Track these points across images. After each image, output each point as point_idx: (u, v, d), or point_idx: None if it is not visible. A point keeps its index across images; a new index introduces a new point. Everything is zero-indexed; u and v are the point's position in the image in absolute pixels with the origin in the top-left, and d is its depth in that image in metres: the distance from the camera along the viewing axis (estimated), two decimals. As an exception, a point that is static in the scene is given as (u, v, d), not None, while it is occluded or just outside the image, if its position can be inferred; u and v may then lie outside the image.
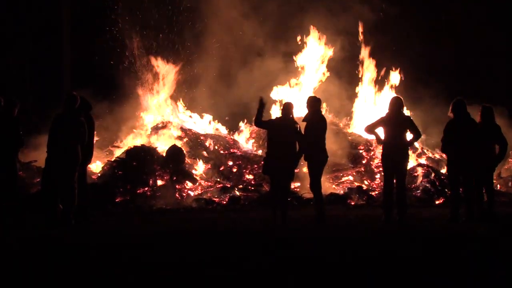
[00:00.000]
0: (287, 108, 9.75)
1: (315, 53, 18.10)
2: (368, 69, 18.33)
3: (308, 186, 9.92)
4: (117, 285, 4.87)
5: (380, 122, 9.86)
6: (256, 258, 6.14)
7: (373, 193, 14.16)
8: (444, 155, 11.58)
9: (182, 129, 16.76)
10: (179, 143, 15.64)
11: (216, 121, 18.20)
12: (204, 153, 15.92)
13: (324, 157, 9.71)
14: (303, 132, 9.72)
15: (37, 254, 6.46)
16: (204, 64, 18.53)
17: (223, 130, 18.09)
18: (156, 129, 16.83)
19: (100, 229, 9.12)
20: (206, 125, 18.05)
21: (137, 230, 8.80)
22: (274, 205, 9.56)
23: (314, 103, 9.88)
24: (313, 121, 9.68)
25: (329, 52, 17.97)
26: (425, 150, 16.77)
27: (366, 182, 14.94)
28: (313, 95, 11.11)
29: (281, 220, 9.41)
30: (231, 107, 18.14)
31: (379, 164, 13.55)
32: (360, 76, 18.34)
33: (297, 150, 9.61)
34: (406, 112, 11.64)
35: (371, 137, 16.42)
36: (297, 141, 9.59)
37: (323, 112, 11.51)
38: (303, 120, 9.81)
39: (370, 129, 9.92)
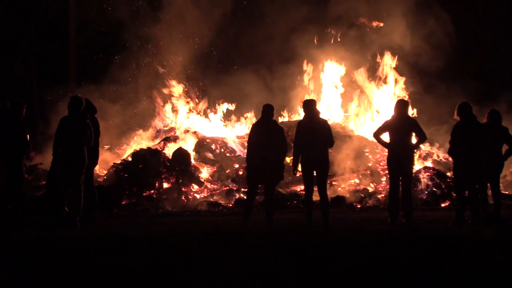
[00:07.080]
0: (266, 109, 9.37)
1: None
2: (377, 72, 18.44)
3: (316, 189, 9.40)
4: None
5: (386, 126, 9.84)
6: (259, 261, 6.14)
7: (379, 196, 14.14)
8: (450, 158, 11.56)
9: (188, 131, 16.80)
10: (185, 146, 15.69)
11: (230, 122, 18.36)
12: (210, 155, 15.96)
13: (320, 162, 9.19)
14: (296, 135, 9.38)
15: (38, 256, 6.48)
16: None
17: (231, 133, 18.16)
18: (163, 132, 16.91)
19: (105, 231, 9.13)
20: (214, 127, 18.13)
21: (141, 233, 8.80)
22: (248, 212, 9.35)
23: (309, 106, 9.40)
24: (307, 124, 9.32)
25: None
26: (432, 152, 16.75)
27: (372, 185, 14.91)
28: (309, 98, 10.99)
29: (267, 224, 9.22)
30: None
31: (385, 166, 13.48)
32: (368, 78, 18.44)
33: (280, 153, 9.21)
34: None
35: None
36: (281, 143, 9.19)
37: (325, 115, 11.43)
38: (299, 123, 9.55)
39: (377, 134, 9.90)
